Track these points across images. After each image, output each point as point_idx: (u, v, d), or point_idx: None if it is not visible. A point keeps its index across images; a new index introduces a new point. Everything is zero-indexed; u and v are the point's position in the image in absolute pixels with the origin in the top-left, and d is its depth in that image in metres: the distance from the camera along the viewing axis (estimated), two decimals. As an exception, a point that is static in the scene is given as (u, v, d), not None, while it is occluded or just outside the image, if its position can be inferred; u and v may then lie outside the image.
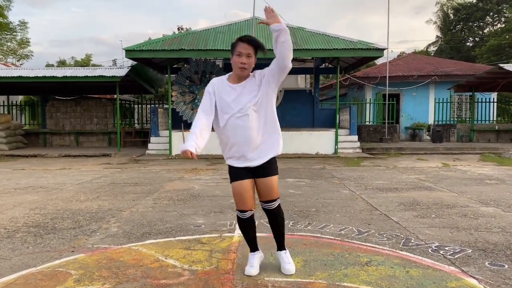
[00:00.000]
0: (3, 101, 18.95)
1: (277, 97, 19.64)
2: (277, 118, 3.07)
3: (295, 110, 16.44)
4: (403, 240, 3.96)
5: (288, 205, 5.63)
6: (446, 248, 3.71)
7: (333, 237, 4.08)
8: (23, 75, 13.19)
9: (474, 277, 3.04)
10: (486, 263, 3.33)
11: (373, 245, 3.81)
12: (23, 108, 20.70)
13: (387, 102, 17.68)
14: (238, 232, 4.29)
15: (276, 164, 3.12)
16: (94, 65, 40.26)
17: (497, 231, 4.27)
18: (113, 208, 5.58)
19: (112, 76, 13.05)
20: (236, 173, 3.05)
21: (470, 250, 3.65)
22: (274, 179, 3.06)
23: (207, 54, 12.54)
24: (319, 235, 4.15)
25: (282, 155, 12.73)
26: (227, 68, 16.15)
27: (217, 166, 10.53)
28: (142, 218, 5.00)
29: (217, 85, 3.05)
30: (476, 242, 3.91)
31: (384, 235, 4.14)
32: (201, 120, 2.96)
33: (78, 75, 13.08)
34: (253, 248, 3.23)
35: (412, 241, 3.95)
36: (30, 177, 8.79)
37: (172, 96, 14.83)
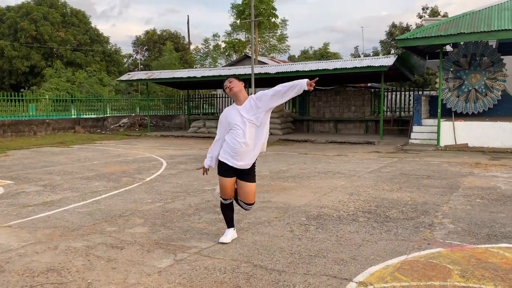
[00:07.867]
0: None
1: None
2: None
3: None
4: None
5: None
6: None
7: None
8: (287, 70, 14.96)
9: None
10: None
11: None
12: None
13: None
14: None
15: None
16: (329, 53, 42.26)
17: None
18: (428, 201, 5.65)
19: (380, 65, 13.33)
20: None
21: None
22: None
23: (491, 36, 11.26)
24: None
25: None
26: (501, 48, 14.21)
27: (502, 162, 9.46)
28: (469, 216, 4.88)
29: None
30: None
31: None
32: None
33: (347, 67, 13.90)
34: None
35: None
36: (319, 162, 9.84)
37: (435, 83, 14.15)
